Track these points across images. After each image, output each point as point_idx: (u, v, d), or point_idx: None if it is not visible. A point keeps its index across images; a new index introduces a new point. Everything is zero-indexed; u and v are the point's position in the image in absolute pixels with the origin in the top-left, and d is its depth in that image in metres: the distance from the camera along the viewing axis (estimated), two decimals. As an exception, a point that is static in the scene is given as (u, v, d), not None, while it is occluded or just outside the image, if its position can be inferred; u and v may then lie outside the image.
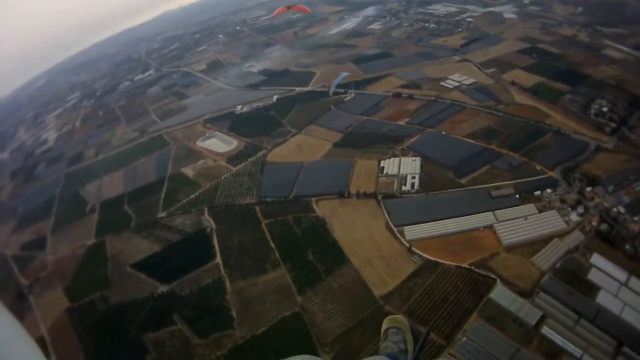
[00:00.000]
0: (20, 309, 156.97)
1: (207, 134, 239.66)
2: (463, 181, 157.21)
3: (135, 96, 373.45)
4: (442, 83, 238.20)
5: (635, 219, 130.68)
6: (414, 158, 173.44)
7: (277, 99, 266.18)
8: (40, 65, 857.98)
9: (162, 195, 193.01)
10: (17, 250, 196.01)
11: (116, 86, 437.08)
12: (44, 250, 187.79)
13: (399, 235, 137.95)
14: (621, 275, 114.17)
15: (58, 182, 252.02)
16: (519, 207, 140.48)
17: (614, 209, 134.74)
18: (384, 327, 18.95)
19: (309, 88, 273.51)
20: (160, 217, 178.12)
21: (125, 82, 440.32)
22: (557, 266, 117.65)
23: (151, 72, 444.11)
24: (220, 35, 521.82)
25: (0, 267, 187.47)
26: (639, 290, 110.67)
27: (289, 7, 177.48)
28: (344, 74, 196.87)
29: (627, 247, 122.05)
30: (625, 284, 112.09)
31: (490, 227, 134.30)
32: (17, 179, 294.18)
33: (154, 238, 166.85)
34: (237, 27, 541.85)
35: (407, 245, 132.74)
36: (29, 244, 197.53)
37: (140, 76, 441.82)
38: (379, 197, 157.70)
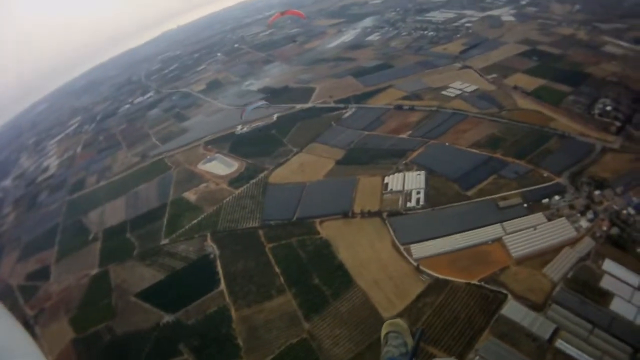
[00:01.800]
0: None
1: (208, 157, 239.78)
2: (469, 193, 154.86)
3: (136, 119, 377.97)
4: (443, 92, 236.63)
5: None
6: (418, 172, 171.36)
7: (277, 117, 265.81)
8: (41, 90, 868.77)
9: (165, 221, 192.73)
10: (22, 280, 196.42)
11: (117, 109, 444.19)
12: (48, 280, 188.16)
13: (405, 254, 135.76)
14: (634, 279, 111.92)
15: (60, 210, 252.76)
16: (527, 217, 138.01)
17: (624, 212, 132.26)
18: (383, 332, 18.28)
19: (309, 104, 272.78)
20: (163, 244, 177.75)
21: (126, 105, 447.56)
22: (569, 276, 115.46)
23: (151, 94, 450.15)
24: (219, 54, 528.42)
25: (5, 297, 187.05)
26: None
27: (282, 13, 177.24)
28: (261, 103, 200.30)
29: (638, 250, 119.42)
30: (639, 288, 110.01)
31: (499, 239, 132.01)
32: (19, 207, 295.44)
33: (157, 266, 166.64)
34: (236, 45, 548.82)
35: (415, 264, 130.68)
36: (33, 274, 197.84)
37: (140, 99, 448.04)
38: (384, 215, 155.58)
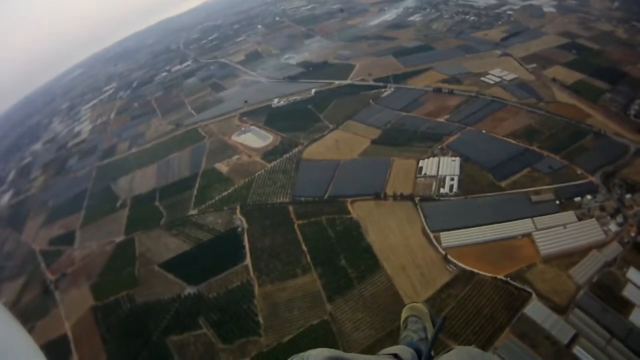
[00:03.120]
0: (45, 305, 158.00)
1: (243, 128, 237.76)
2: (503, 184, 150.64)
3: (172, 87, 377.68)
4: (482, 78, 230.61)
5: None
6: (453, 158, 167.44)
7: (315, 92, 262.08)
8: (77, 56, 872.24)
9: (195, 191, 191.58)
10: (45, 245, 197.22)
11: (153, 77, 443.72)
12: (72, 245, 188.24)
13: (435, 241, 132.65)
14: None
15: (90, 175, 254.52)
16: (558, 214, 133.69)
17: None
18: (403, 316, 17.59)
19: (348, 81, 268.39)
20: (191, 214, 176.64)
21: (163, 73, 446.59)
22: (593, 280, 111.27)
23: (189, 62, 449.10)
24: (259, 26, 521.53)
25: (27, 261, 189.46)
26: None
27: None
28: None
29: None
30: None
31: (528, 235, 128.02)
32: (49, 171, 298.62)
33: (184, 236, 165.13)
34: (277, 18, 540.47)
35: (443, 253, 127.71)
36: (57, 239, 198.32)
37: (178, 67, 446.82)
38: (416, 199, 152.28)
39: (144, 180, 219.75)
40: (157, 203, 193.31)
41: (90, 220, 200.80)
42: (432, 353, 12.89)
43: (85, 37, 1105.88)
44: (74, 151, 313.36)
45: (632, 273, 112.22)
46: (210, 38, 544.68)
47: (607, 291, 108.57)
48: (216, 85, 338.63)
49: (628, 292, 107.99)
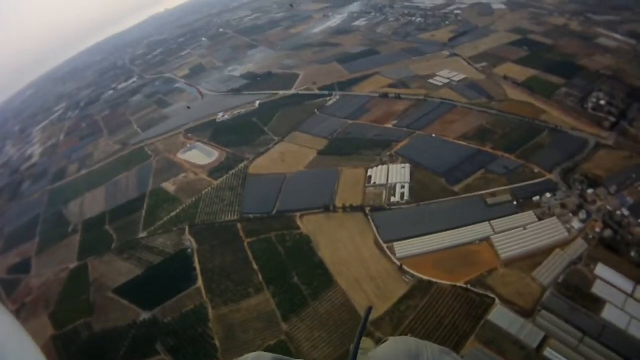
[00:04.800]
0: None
1: (189, 145, 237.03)
2: (456, 189, 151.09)
3: (119, 106, 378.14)
4: (430, 80, 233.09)
5: None
6: (403, 165, 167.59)
7: (259, 104, 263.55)
8: (29, 75, 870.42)
9: (143, 213, 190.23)
10: (4, 274, 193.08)
11: (100, 96, 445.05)
12: (29, 273, 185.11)
13: (388, 252, 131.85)
14: (627, 285, 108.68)
15: (42, 200, 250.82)
16: (517, 215, 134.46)
17: (618, 212, 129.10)
18: None
19: (292, 91, 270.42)
20: (141, 237, 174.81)
21: (109, 91, 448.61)
22: (559, 280, 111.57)
23: (134, 79, 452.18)
24: (204, 39, 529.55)
25: None
26: None
27: None
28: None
29: (632, 254, 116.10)
30: (631, 295, 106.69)
31: (487, 239, 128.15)
32: (3, 196, 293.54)
33: (135, 260, 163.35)
34: (221, 29, 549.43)
35: (398, 263, 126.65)
36: (15, 267, 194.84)
37: (124, 84, 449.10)
38: (367, 210, 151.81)
39: (93, 203, 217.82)
40: (107, 227, 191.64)
41: (44, 247, 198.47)
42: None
43: (37, 57, 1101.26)
44: (26, 175, 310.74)
45: (600, 269, 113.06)
46: (155, 53, 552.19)
47: (575, 290, 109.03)
48: (161, 102, 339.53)
49: (597, 289, 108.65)
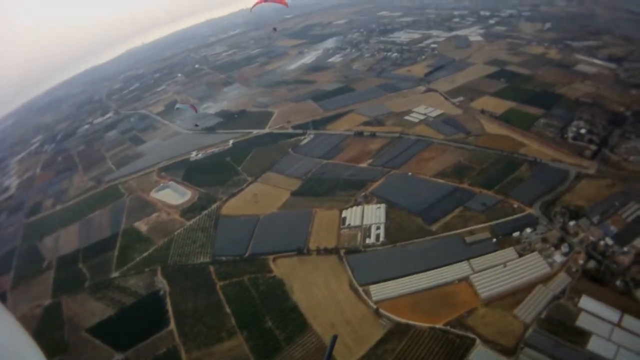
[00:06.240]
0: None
1: (161, 184, 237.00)
2: (433, 228, 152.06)
3: (94, 141, 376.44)
4: (406, 117, 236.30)
5: (625, 249, 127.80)
6: (378, 205, 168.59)
7: (233, 143, 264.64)
8: (9, 105, 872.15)
9: (116, 252, 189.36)
10: None
11: (76, 129, 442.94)
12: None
13: (364, 295, 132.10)
14: (613, 315, 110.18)
15: (18, 233, 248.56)
16: (496, 252, 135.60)
17: (601, 242, 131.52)
18: None
19: (266, 130, 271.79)
20: (113, 277, 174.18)
21: (85, 125, 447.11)
22: (542, 316, 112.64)
23: (110, 114, 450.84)
24: (179, 75, 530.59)
25: None
26: (632, 329, 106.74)
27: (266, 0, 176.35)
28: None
29: (617, 282, 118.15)
30: (618, 324, 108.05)
31: (465, 279, 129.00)
32: None
33: (108, 300, 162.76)
34: (197, 65, 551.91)
35: (374, 307, 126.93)
36: None
37: (100, 119, 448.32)
38: (341, 252, 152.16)
39: (68, 239, 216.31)
40: (80, 265, 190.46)
41: (19, 281, 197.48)
42: None
43: (18, 86, 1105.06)
44: (3, 207, 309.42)
45: (585, 301, 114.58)
46: (131, 88, 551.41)
47: (558, 324, 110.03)
48: (136, 139, 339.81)
49: (582, 321, 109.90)
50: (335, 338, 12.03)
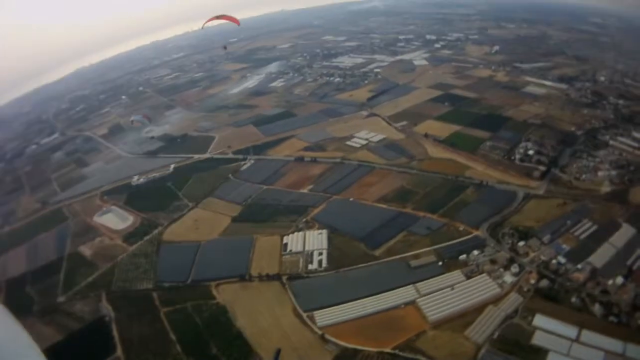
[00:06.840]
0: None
1: (104, 208, 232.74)
2: (377, 253, 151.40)
3: (41, 162, 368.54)
4: (348, 142, 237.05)
5: (579, 267, 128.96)
6: (320, 231, 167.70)
7: (174, 167, 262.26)
8: None
9: (62, 276, 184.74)
10: None
11: (25, 149, 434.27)
12: None
13: (309, 321, 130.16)
14: (570, 331, 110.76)
15: None
16: (443, 275, 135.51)
17: (553, 261, 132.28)
18: None
19: (207, 155, 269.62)
20: (60, 301, 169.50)
21: (33, 145, 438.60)
22: (494, 336, 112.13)
23: (57, 135, 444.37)
24: (124, 97, 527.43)
25: None
26: (592, 343, 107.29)
27: (218, 17, 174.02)
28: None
29: (573, 299, 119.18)
30: (577, 340, 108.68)
31: (412, 302, 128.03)
32: None
33: (55, 325, 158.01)
34: (140, 88, 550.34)
35: (320, 332, 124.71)
36: None
37: (47, 139, 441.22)
38: (284, 278, 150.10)
39: (16, 261, 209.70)
40: (28, 288, 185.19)
41: None
42: None
43: None
44: None
45: (539, 320, 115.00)
46: (77, 109, 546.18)
47: (513, 344, 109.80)
48: (80, 161, 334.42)
49: (538, 339, 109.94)
50: (279, 351, 10.23)
